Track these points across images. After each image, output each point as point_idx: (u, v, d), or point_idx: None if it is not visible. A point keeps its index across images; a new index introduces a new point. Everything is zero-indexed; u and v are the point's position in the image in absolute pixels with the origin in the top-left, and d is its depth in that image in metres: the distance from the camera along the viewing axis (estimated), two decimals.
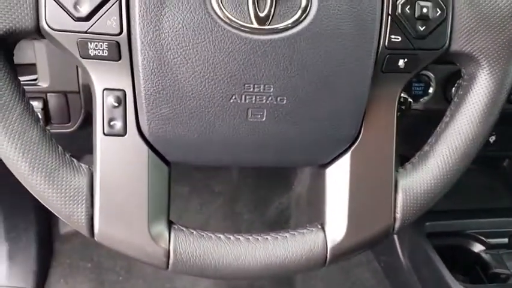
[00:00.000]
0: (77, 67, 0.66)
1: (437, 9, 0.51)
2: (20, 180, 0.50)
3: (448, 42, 0.53)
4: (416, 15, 0.51)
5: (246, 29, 0.47)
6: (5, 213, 1.25)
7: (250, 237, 0.55)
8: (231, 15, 0.47)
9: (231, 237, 0.55)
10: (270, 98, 0.50)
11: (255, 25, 0.47)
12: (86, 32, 0.47)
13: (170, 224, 0.54)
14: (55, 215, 0.52)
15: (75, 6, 0.46)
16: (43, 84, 0.71)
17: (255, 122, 0.51)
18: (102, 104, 0.50)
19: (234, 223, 1.56)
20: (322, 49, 0.49)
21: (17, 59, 0.63)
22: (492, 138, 1.01)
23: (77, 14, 0.46)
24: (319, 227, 0.56)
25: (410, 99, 0.72)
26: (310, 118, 0.51)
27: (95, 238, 0.52)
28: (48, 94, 0.73)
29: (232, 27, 0.47)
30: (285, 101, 0.50)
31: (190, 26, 0.46)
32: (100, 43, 0.47)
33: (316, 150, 0.54)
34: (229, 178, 1.59)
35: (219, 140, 0.51)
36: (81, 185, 0.51)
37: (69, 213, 0.51)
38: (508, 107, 0.88)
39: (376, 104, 0.54)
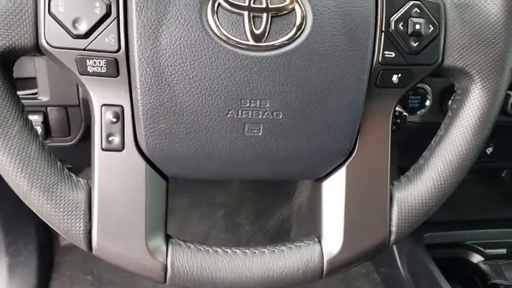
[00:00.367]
0: None
1: (430, 26, 0.52)
2: (18, 195, 0.51)
3: (441, 57, 0.54)
4: (409, 32, 0.51)
5: (243, 46, 0.48)
6: (5, 227, 1.25)
7: (247, 251, 0.55)
8: (228, 33, 0.48)
9: (228, 250, 0.55)
10: (266, 113, 0.50)
11: (251, 42, 0.48)
12: (84, 49, 0.48)
13: (168, 238, 0.55)
14: None
15: (74, 24, 0.47)
16: (43, 98, 0.72)
17: (251, 137, 0.51)
18: (101, 120, 0.50)
19: (235, 235, 1.56)
20: (317, 65, 0.49)
21: (18, 73, 0.63)
22: (489, 150, 1.01)
23: (75, 32, 0.47)
24: (316, 240, 0.57)
25: (405, 113, 0.72)
26: (305, 132, 0.52)
27: (93, 252, 0.52)
28: (49, 108, 0.74)
29: (229, 44, 0.48)
30: (281, 116, 0.51)
31: (188, 43, 0.47)
32: (98, 60, 0.48)
33: (312, 164, 0.55)
34: (230, 190, 1.60)
35: (216, 154, 0.52)
36: (79, 200, 0.51)
37: (67, 228, 0.51)
38: (505, 119, 0.90)
39: (371, 118, 0.54)
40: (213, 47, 0.48)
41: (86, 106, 0.70)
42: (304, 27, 0.49)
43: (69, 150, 0.78)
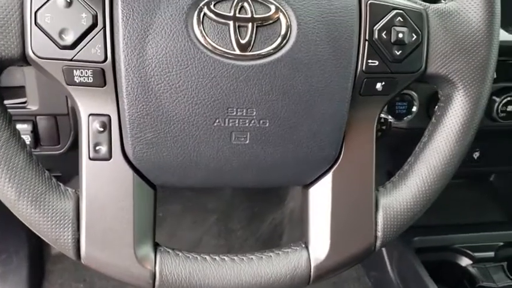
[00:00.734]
0: None
1: (413, 34, 0.53)
2: (6, 205, 0.51)
3: (424, 65, 0.55)
4: (392, 40, 0.52)
5: (229, 56, 0.48)
6: None
7: (235, 258, 0.56)
8: (214, 42, 0.48)
9: (217, 258, 0.55)
10: (253, 121, 0.51)
11: (237, 51, 0.48)
12: (71, 60, 0.48)
13: (156, 246, 0.55)
14: None
15: (60, 35, 0.47)
16: (32, 107, 0.72)
17: (238, 145, 0.52)
18: (88, 129, 0.51)
19: (227, 240, 1.56)
20: (302, 74, 0.50)
21: (6, 82, 0.63)
22: (476, 155, 1.03)
23: (62, 43, 0.47)
24: (303, 245, 0.57)
25: (390, 120, 0.73)
26: (292, 140, 0.53)
27: (82, 261, 0.52)
28: (38, 117, 0.74)
29: (215, 53, 0.48)
30: (267, 124, 0.51)
31: (174, 53, 0.48)
32: (85, 70, 0.48)
33: (299, 171, 0.56)
34: (222, 195, 1.60)
35: (203, 162, 0.52)
36: (67, 209, 0.52)
37: (55, 237, 0.51)
38: (491, 124, 0.91)
39: (356, 125, 0.55)
40: (199, 56, 0.48)
41: (75, 115, 0.70)
42: (289, 37, 0.49)
43: (59, 158, 0.78)
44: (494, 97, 0.90)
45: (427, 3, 0.55)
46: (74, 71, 0.48)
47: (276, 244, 1.55)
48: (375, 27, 0.52)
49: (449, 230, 1.20)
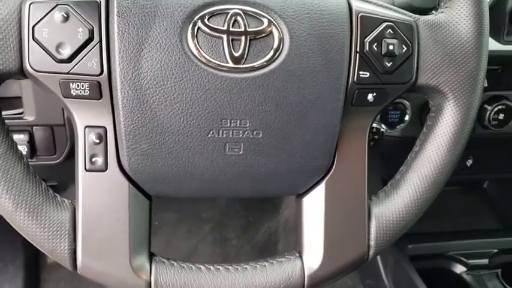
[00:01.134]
0: None
1: (403, 46, 0.54)
2: (3, 216, 0.51)
3: (414, 76, 0.56)
4: (383, 52, 0.53)
5: (222, 68, 0.49)
6: None
7: (230, 267, 0.56)
8: (208, 55, 0.49)
9: (211, 267, 0.56)
10: (246, 132, 0.52)
11: (231, 64, 0.49)
12: (68, 73, 0.49)
13: (151, 256, 0.55)
14: None
15: (57, 49, 0.48)
16: (29, 117, 0.73)
17: (232, 156, 0.52)
18: (84, 141, 0.51)
19: (222, 249, 1.56)
20: (295, 85, 0.51)
21: (3, 93, 0.64)
22: (469, 162, 1.03)
23: (59, 57, 0.48)
24: (297, 255, 0.58)
25: (382, 129, 0.74)
26: (285, 150, 0.53)
27: (78, 271, 0.53)
28: (34, 127, 0.74)
29: (209, 66, 0.49)
30: (261, 135, 0.52)
31: (169, 66, 0.49)
32: (82, 83, 0.49)
33: (292, 181, 0.56)
34: (217, 204, 1.60)
35: (197, 173, 0.53)
36: (64, 220, 0.52)
37: (52, 248, 0.52)
38: (483, 132, 0.92)
39: (348, 135, 0.56)
40: (194, 69, 0.49)
41: (71, 125, 0.70)
42: (281, 50, 0.50)
43: (55, 168, 0.78)
44: (485, 105, 0.91)
45: (417, 15, 0.56)
46: (71, 84, 0.49)
47: (272, 252, 1.55)
48: (365, 40, 0.53)
49: (444, 237, 1.20)
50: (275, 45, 0.50)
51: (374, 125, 0.83)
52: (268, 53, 0.50)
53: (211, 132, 0.51)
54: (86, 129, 0.51)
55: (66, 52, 0.48)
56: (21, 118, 0.73)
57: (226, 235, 1.57)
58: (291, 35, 0.50)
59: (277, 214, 1.60)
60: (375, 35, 0.53)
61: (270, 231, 1.59)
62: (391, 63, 0.54)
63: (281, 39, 0.50)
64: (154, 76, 0.49)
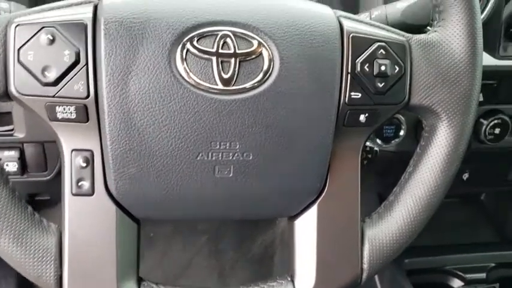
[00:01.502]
0: None
1: (396, 66, 0.53)
2: None
3: (407, 96, 0.55)
4: (375, 73, 0.52)
5: (212, 91, 0.49)
6: None
7: None
8: (197, 78, 0.48)
9: None
10: (236, 155, 0.51)
11: (220, 86, 0.49)
12: (53, 96, 0.48)
13: (140, 281, 0.54)
14: None
15: (43, 72, 0.47)
16: (19, 134, 0.72)
17: (222, 178, 0.52)
18: (71, 165, 0.50)
19: (218, 261, 1.55)
20: (285, 107, 0.50)
21: None
22: (465, 176, 1.03)
23: (44, 80, 0.47)
24: (289, 279, 0.57)
25: (376, 148, 0.73)
26: (276, 172, 0.52)
27: None
28: (25, 144, 0.74)
29: (198, 89, 0.48)
30: (251, 157, 0.51)
31: (157, 89, 0.48)
32: (68, 106, 0.48)
33: (284, 203, 0.55)
34: None
35: (186, 196, 0.52)
36: (49, 245, 0.51)
37: (38, 274, 0.51)
38: (479, 147, 0.91)
39: (340, 157, 0.55)
40: (182, 92, 0.48)
41: None
42: (271, 71, 0.49)
43: (46, 183, 0.78)
44: (481, 119, 0.90)
45: (409, 34, 0.56)
46: (57, 107, 0.48)
47: (268, 265, 1.54)
48: (357, 60, 0.52)
49: (440, 251, 1.19)
50: (265, 67, 0.49)
51: (367, 143, 0.83)
52: (258, 75, 0.49)
53: (200, 154, 0.50)
54: (73, 152, 0.50)
55: (52, 75, 0.47)
56: (11, 135, 0.72)
57: (222, 247, 1.56)
58: (281, 56, 0.50)
59: (274, 226, 1.59)
60: (366, 55, 0.52)
61: (265, 244, 1.58)
62: (383, 83, 0.53)
63: (271, 61, 0.49)
64: (143, 99, 0.48)
